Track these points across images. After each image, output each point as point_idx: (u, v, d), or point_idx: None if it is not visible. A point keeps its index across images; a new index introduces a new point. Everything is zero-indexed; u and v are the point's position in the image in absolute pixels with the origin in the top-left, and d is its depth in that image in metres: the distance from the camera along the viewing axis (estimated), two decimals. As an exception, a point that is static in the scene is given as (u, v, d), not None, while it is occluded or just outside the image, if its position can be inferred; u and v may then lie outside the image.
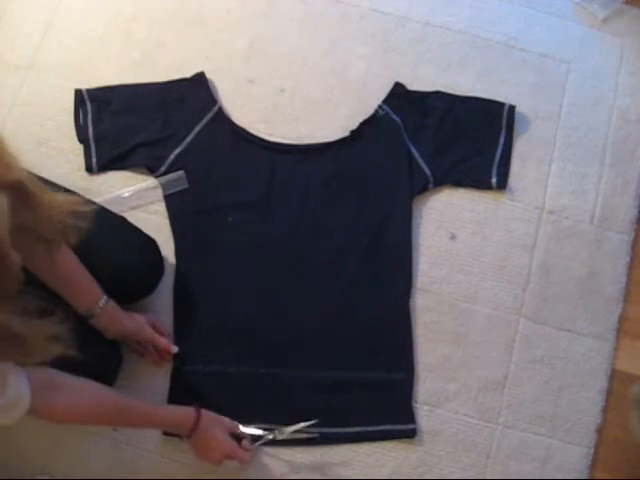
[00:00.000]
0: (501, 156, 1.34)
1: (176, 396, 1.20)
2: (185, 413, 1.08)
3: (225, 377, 1.21)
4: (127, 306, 1.14)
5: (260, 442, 1.15)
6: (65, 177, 1.31)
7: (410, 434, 1.21)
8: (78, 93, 1.35)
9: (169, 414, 1.09)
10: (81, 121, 1.33)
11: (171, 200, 1.30)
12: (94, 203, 0.91)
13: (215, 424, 1.11)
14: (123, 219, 1.20)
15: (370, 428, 1.21)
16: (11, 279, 0.68)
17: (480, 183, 1.33)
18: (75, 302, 1.06)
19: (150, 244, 1.21)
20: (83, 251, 1.05)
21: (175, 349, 1.18)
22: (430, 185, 1.32)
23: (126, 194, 1.31)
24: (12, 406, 0.83)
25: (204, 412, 1.10)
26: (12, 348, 0.73)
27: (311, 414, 1.19)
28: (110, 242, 1.14)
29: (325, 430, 1.19)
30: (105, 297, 1.08)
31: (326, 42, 1.43)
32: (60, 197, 0.84)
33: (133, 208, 1.28)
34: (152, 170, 1.31)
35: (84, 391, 0.98)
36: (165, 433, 1.19)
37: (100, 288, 1.08)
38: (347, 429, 1.20)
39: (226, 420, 1.13)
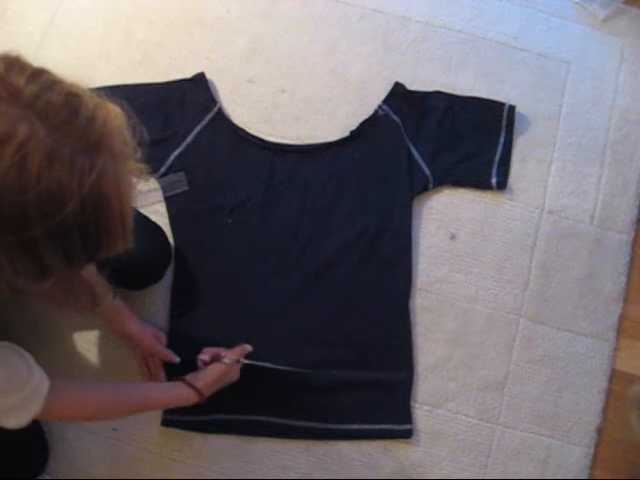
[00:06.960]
0: (501, 156, 1.34)
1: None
2: (186, 394, 1.07)
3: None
4: (133, 300, 1.15)
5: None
6: (65, 177, 1.32)
7: (406, 435, 1.21)
8: (78, 93, 1.35)
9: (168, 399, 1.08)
10: (81, 121, 1.33)
11: (171, 201, 1.30)
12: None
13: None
14: None
15: (366, 427, 1.21)
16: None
17: (480, 183, 1.33)
18: None
19: (157, 230, 1.21)
20: None
21: (177, 359, 1.17)
22: (430, 185, 1.32)
23: (126, 194, 1.31)
24: (28, 402, 0.83)
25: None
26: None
27: (310, 411, 1.20)
28: None
29: (321, 426, 1.20)
30: (112, 294, 1.09)
31: (326, 42, 1.43)
32: None
33: (133, 208, 1.28)
34: (152, 171, 1.31)
35: (89, 389, 0.98)
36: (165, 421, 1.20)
37: (109, 285, 1.08)
38: (343, 426, 1.21)
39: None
